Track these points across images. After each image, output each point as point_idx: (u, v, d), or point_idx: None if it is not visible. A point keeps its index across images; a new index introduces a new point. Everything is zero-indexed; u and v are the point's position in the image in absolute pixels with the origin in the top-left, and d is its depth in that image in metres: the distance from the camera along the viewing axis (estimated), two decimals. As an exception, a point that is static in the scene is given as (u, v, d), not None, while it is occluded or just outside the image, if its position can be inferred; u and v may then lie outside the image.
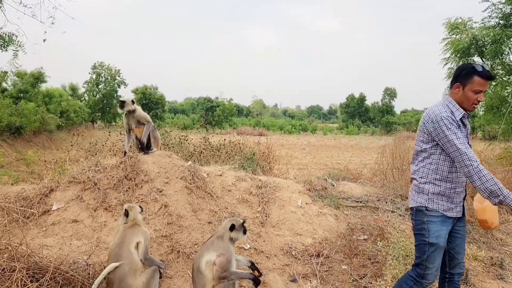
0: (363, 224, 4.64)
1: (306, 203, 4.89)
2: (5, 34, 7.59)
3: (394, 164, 6.73)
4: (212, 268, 2.78)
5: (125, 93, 42.13)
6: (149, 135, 4.75)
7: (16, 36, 7.49)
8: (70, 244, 3.64)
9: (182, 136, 7.66)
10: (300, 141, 31.32)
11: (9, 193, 4.18)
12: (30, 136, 18.91)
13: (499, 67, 8.52)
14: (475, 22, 8.82)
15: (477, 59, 8.80)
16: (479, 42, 8.43)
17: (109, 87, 40.00)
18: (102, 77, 40.32)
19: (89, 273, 3.17)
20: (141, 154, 4.70)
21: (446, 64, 9.14)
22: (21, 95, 22.09)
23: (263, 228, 4.32)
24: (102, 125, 38.53)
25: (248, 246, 3.97)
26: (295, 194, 5.00)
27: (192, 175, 4.55)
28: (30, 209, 3.95)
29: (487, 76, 2.59)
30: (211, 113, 45.87)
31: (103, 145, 7.12)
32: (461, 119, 2.65)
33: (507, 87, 8.47)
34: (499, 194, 2.39)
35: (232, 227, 2.95)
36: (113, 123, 35.95)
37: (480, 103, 2.68)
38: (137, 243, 3.02)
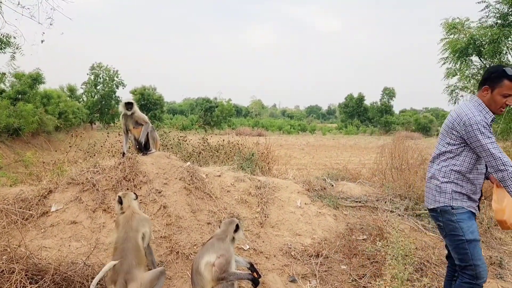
0: (362, 224, 4.64)
1: (305, 203, 4.89)
2: (3, 36, 7.59)
3: (393, 164, 6.73)
4: (211, 269, 2.78)
5: (124, 94, 42.12)
6: (148, 136, 4.76)
7: (14, 38, 7.50)
8: (69, 245, 3.63)
9: (180, 136, 7.64)
10: (299, 141, 31.34)
11: (7, 194, 4.17)
12: (28, 138, 18.86)
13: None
14: (473, 22, 8.88)
15: (475, 59, 8.83)
16: (476, 42, 8.47)
17: (108, 88, 39.86)
18: (100, 78, 40.20)
19: (88, 274, 3.17)
20: (139, 155, 4.70)
21: (444, 64, 9.22)
22: (19, 96, 21.98)
23: (262, 229, 4.32)
24: (101, 126, 38.45)
25: (248, 247, 3.97)
26: (294, 195, 5.00)
27: (191, 176, 4.55)
28: (29, 210, 3.94)
29: None
30: (210, 114, 45.83)
31: (101, 146, 7.10)
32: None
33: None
34: None
35: (237, 228, 2.99)
36: (112, 124, 35.87)
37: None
38: (143, 234, 3.01)
